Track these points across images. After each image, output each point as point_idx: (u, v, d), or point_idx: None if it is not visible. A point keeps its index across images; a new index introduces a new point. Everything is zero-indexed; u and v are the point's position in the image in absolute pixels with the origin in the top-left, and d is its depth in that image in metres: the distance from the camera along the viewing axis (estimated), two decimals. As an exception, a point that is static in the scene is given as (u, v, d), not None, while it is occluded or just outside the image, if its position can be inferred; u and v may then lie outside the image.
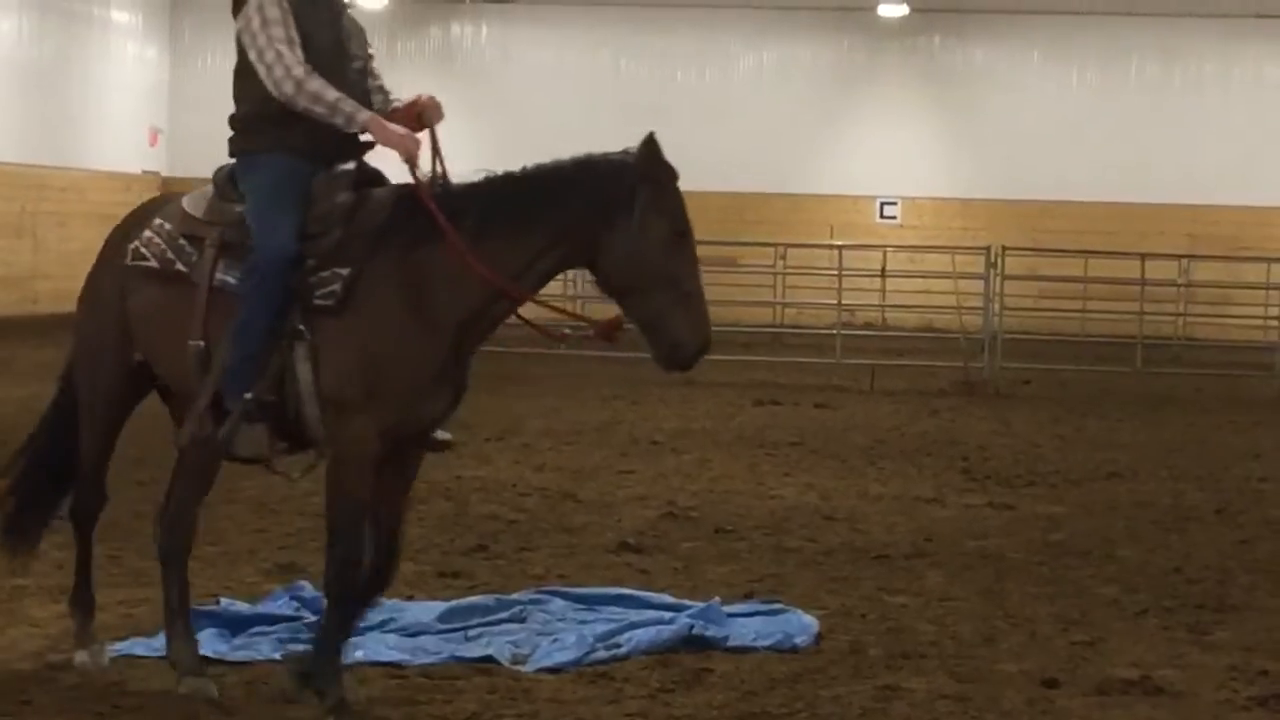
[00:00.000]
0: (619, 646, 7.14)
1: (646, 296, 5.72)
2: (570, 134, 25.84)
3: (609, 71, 31.29)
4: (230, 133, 6.18)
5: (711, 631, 7.31)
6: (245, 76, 5.99)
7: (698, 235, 5.82)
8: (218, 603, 7.45)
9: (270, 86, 5.74)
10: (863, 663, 7.06)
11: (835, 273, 22.92)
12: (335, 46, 5.96)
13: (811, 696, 6.43)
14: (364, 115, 5.88)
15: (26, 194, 26.58)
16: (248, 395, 5.74)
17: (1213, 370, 22.51)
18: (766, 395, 19.18)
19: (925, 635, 7.87)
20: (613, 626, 7.52)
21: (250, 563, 9.19)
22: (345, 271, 5.72)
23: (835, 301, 22.35)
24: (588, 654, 6.97)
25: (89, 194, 28.64)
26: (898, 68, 31.86)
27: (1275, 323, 23.35)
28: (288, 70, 5.70)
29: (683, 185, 5.62)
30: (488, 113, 29.11)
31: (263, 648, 6.89)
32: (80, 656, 6.06)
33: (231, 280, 5.81)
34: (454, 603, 7.99)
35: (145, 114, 31.22)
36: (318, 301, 5.71)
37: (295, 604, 7.58)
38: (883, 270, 24.05)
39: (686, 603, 7.96)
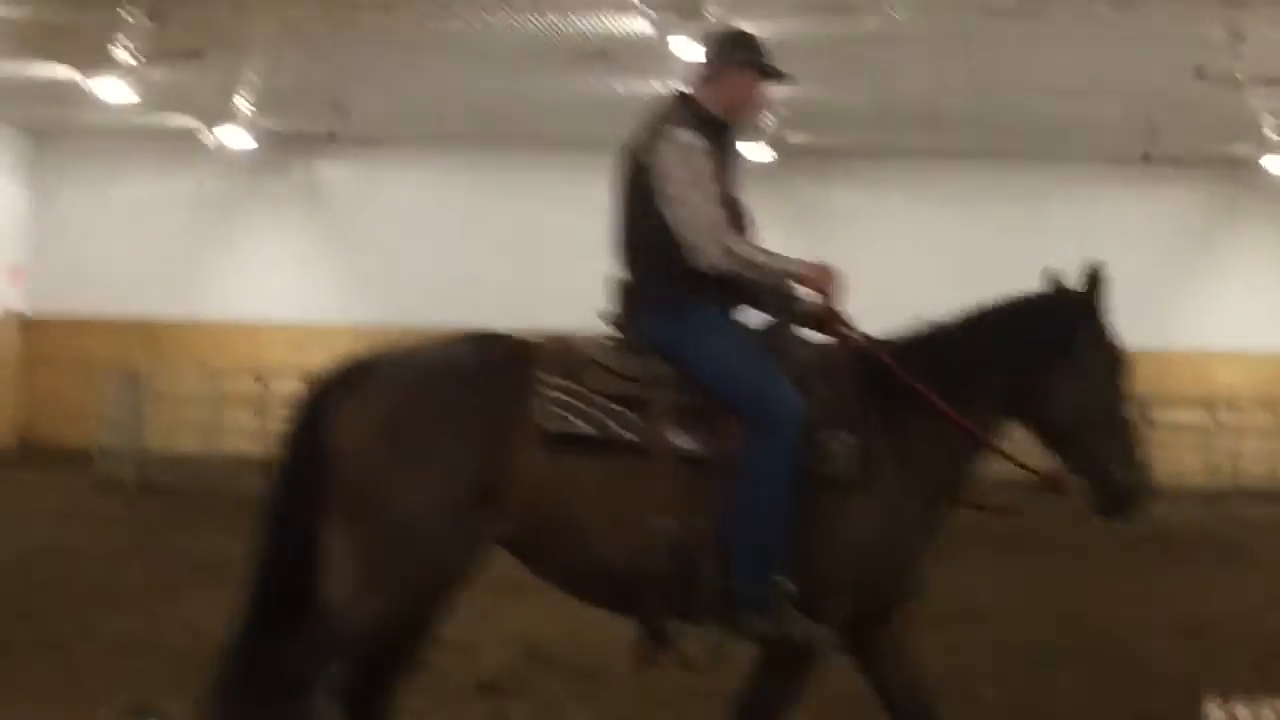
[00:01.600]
0: None
1: (1086, 439, 5.51)
2: (441, 274, 26.50)
3: (478, 210, 29.95)
4: (626, 288, 5.71)
5: None
6: (645, 223, 5.58)
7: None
8: None
9: (692, 240, 5.39)
10: None
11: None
12: (735, 199, 5.75)
13: None
14: (794, 265, 5.61)
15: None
16: (779, 579, 5.24)
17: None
18: None
19: None
20: None
21: (109, 699, 9.00)
22: (852, 438, 5.34)
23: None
24: None
25: None
26: (765, 209, 32.50)
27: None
28: (718, 236, 5.38)
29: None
30: (354, 253, 29.35)
31: None
32: None
33: (691, 446, 5.35)
34: None
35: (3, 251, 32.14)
36: (826, 466, 5.35)
37: None
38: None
39: None
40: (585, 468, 5.32)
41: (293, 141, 31.12)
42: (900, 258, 30.78)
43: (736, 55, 5.74)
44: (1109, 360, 5.65)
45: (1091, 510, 5.66)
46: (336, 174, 32.40)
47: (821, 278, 5.51)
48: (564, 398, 5.33)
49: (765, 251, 5.59)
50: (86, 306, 30.10)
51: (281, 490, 5.43)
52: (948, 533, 6.41)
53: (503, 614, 12.68)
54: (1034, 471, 5.76)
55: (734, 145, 5.88)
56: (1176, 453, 23.36)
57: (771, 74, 5.84)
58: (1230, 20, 18.45)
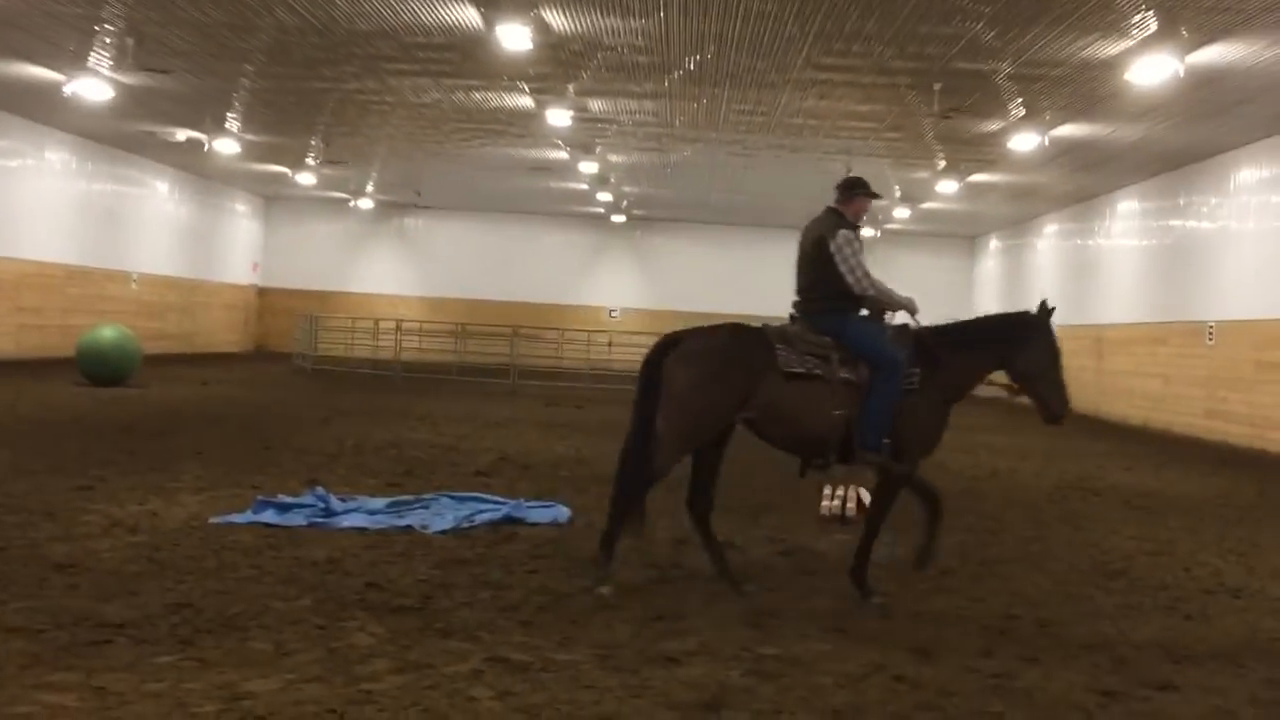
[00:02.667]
0: (473, 522, 9.83)
1: (1040, 382, 8.30)
2: (468, 272, 43.53)
3: (488, 246, 44.77)
4: (805, 298, 8.37)
5: (520, 514, 10.23)
6: (822, 269, 8.17)
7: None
8: (275, 496, 10.12)
9: (852, 284, 8.05)
10: (592, 530, 8.88)
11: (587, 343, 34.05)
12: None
13: (568, 545, 9.01)
14: (901, 298, 8.26)
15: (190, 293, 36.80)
16: (886, 440, 7.89)
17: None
18: (552, 401, 25.30)
19: None
20: (470, 511, 10.17)
21: (295, 477, 11.66)
22: (916, 372, 8.01)
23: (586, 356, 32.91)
24: (457, 525, 9.62)
25: (223, 294, 39.74)
26: (620, 248, 44.01)
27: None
28: (866, 277, 8.07)
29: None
30: (422, 262, 44.42)
31: (297, 519, 9.51)
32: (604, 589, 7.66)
33: (849, 377, 7.98)
34: (392, 498, 10.62)
35: (253, 254, 42.12)
36: (906, 386, 7.95)
37: (315, 497, 10.23)
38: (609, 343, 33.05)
39: (508, 500, 10.71)
40: (800, 388, 7.92)
41: (393, 206, 42.50)
42: (692, 277, 42.38)
43: (857, 189, 8.45)
44: (1052, 342, 8.33)
45: (1042, 420, 8.35)
46: (415, 223, 44.08)
47: (908, 303, 8.18)
48: (788, 353, 7.94)
49: (884, 286, 8.18)
50: (291, 284, 43.36)
51: (640, 394, 7.91)
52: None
53: (489, 439, 16.54)
54: (1005, 386, 8.44)
55: (860, 233, 8.26)
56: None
57: (876, 196, 8.63)
58: (845, 161, 26.53)
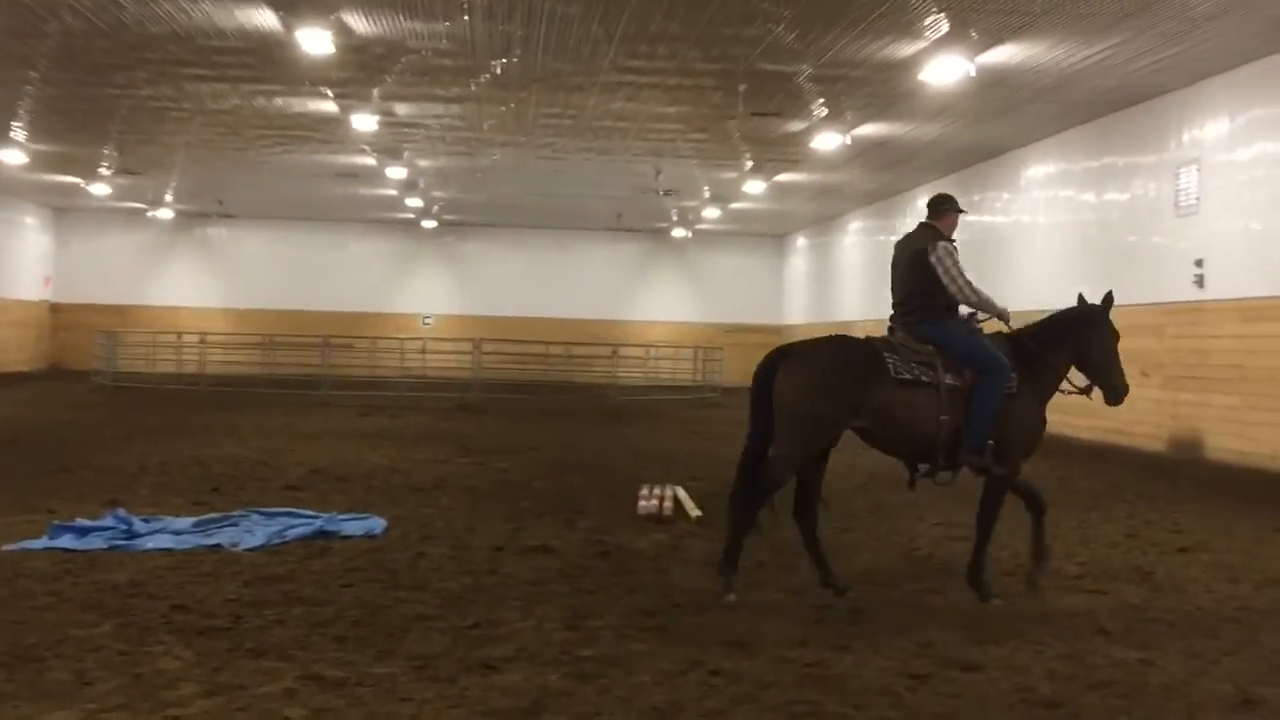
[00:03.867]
0: (285, 538, 9.72)
1: (1108, 369, 8.86)
2: (260, 271, 41.92)
3: (293, 248, 43.71)
4: (905, 309, 8.78)
5: (333, 528, 10.09)
6: (922, 280, 8.57)
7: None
8: (73, 520, 9.81)
9: (955, 292, 8.47)
10: (408, 541, 9.67)
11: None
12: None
13: (383, 557, 8.99)
14: (999, 307, 8.71)
15: None
16: (991, 442, 8.22)
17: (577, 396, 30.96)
18: (366, 411, 25.05)
19: (439, 526, 10.48)
20: (282, 527, 10.05)
21: (94, 499, 11.65)
22: (1015, 376, 8.35)
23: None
24: (268, 542, 9.55)
25: (11, 311, 37.63)
26: (433, 253, 43.82)
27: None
28: (968, 285, 8.52)
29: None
30: (227, 271, 42.87)
31: (97, 543, 9.25)
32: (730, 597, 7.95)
33: (954, 382, 8.29)
34: (200, 516, 10.47)
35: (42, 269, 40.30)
36: (1006, 391, 8.25)
37: (116, 519, 9.90)
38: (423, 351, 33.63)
39: (321, 514, 10.61)
40: (910, 394, 8.21)
41: (194, 216, 41.37)
42: (506, 282, 42.42)
43: (946, 206, 8.93)
44: (1114, 330, 8.90)
45: (1108, 402, 8.86)
46: (218, 233, 42.96)
47: (1002, 311, 8.66)
48: (896, 361, 8.23)
49: (984, 295, 8.63)
50: (87, 298, 41.26)
51: (753, 407, 8.19)
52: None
53: (301, 451, 16.43)
54: (1079, 388, 8.89)
55: (955, 246, 8.58)
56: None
57: (964, 210, 9.12)
58: (655, 163, 27.93)
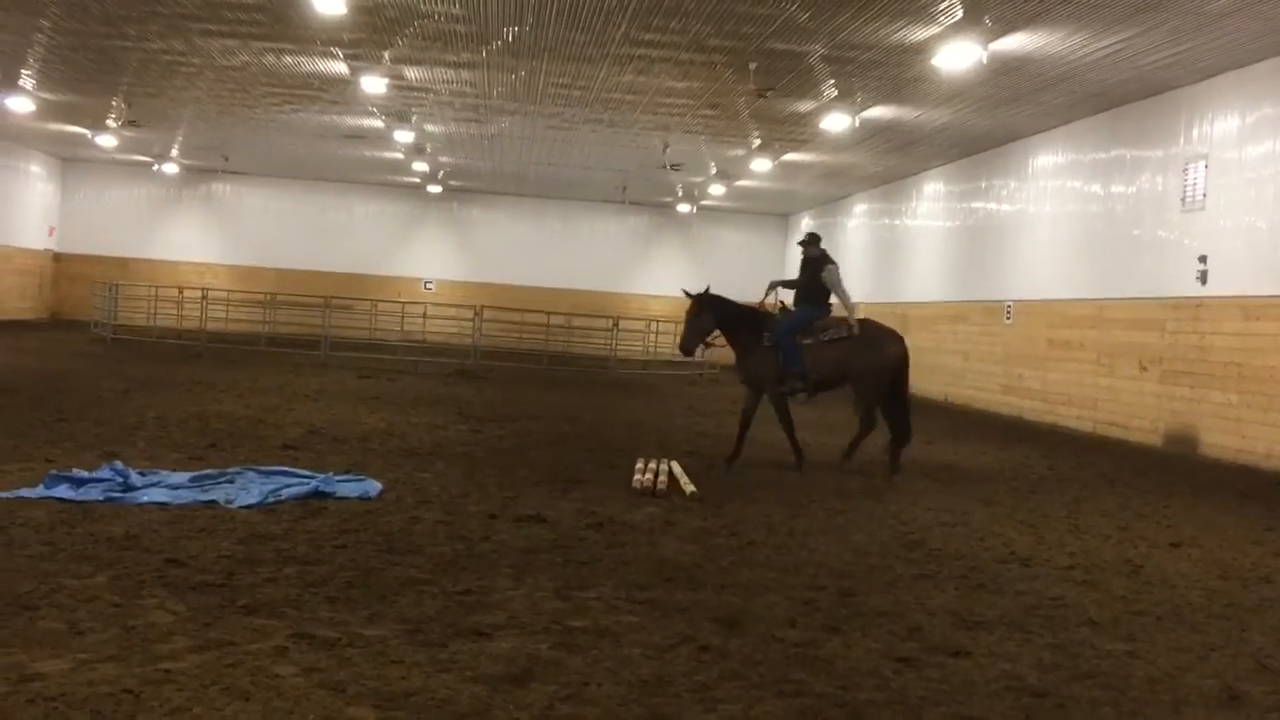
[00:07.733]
0: (280, 496, 9.58)
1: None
2: (272, 234, 42.92)
3: (298, 209, 43.66)
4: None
5: (328, 488, 9.98)
6: (815, 284, 13.24)
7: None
8: (70, 470, 9.70)
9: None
10: (402, 505, 9.61)
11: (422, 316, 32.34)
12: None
13: (377, 519, 8.90)
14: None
15: None
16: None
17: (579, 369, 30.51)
18: (365, 373, 25.14)
19: (434, 491, 10.44)
20: (277, 485, 9.95)
21: (92, 450, 11.55)
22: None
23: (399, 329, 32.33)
24: (263, 500, 9.37)
25: (15, 259, 38.11)
26: (438, 219, 43.89)
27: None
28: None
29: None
30: (231, 225, 42.31)
31: (93, 494, 9.09)
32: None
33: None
34: (197, 472, 10.33)
35: (47, 219, 40.24)
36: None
37: (113, 471, 9.76)
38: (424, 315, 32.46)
39: (317, 474, 10.48)
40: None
41: (199, 171, 41.15)
42: (509, 250, 42.53)
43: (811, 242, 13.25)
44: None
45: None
46: (223, 189, 42.81)
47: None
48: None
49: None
50: (90, 249, 41.58)
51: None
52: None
53: (299, 411, 16.57)
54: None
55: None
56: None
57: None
58: (663, 137, 27.81)
